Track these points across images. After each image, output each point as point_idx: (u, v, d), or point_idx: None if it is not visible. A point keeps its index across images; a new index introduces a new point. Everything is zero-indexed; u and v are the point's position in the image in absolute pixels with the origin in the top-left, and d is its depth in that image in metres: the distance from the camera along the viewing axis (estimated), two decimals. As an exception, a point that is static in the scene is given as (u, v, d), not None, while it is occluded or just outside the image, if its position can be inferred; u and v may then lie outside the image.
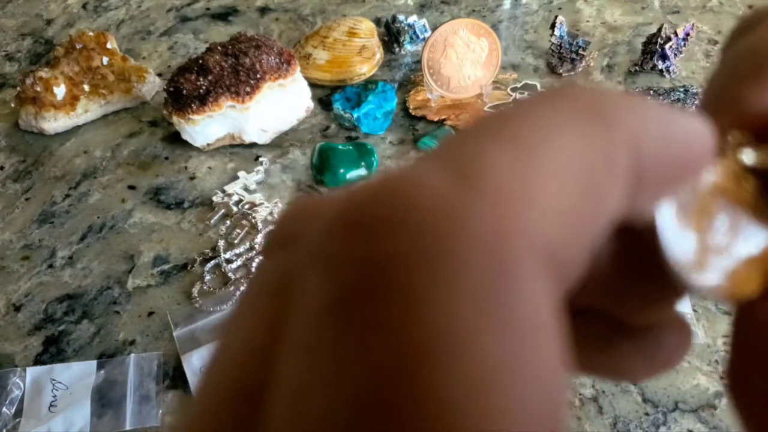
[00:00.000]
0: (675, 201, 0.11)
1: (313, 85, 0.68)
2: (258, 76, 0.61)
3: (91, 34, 0.70)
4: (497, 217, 0.08)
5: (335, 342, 0.07)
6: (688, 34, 0.69)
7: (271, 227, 0.09)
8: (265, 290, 0.09)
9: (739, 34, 0.13)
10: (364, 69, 0.70)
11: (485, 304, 0.08)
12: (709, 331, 0.48)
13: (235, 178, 0.61)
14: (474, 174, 0.08)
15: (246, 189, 0.60)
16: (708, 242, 0.11)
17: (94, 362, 0.49)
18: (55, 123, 0.66)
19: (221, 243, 0.55)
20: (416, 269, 0.07)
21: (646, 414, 0.45)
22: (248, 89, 0.60)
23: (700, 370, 0.47)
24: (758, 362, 0.10)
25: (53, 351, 0.50)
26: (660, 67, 0.70)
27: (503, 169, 0.08)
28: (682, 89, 0.67)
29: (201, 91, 0.60)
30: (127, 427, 0.45)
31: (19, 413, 0.46)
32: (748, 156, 0.12)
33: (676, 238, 0.11)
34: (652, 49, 0.69)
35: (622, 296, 0.12)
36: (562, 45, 0.71)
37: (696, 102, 0.64)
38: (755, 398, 0.10)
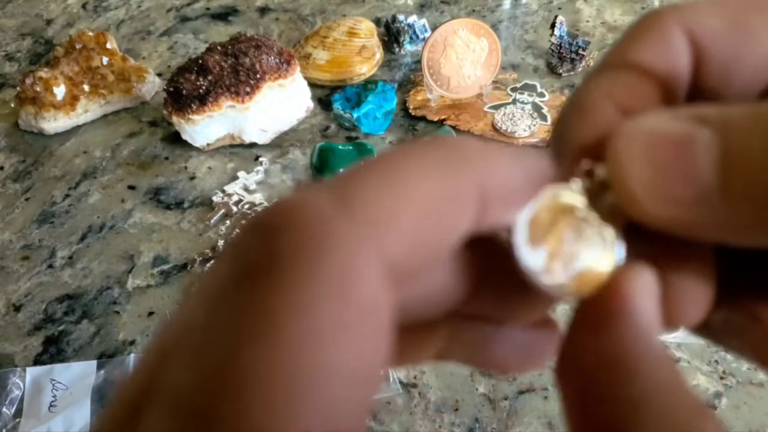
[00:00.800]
0: (527, 219, 0.14)
1: (313, 85, 0.68)
2: (258, 76, 0.61)
3: (90, 34, 0.70)
4: (358, 233, 0.11)
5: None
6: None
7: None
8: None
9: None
10: (364, 69, 0.70)
11: (330, 291, 0.10)
12: (708, 332, 0.48)
13: (235, 178, 0.61)
14: (349, 200, 0.11)
15: (246, 189, 0.60)
16: (556, 251, 0.14)
17: (94, 362, 0.49)
18: (54, 123, 0.66)
19: (221, 243, 0.55)
20: (288, 259, 0.10)
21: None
22: (248, 89, 0.60)
23: (699, 371, 0.46)
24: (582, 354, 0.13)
25: (53, 351, 0.50)
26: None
27: (372, 200, 0.11)
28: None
29: (201, 91, 0.60)
30: (127, 427, 0.45)
31: (18, 413, 0.46)
32: (599, 172, 0.14)
33: (527, 249, 0.14)
34: (652, 49, 0.69)
35: (500, 302, 0.15)
36: (562, 45, 0.71)
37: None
38: (576, 380, 0.13)
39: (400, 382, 0.46)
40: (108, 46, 0.70)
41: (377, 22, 0.74)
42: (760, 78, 0.15)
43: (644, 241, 0.14)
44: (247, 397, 0.09)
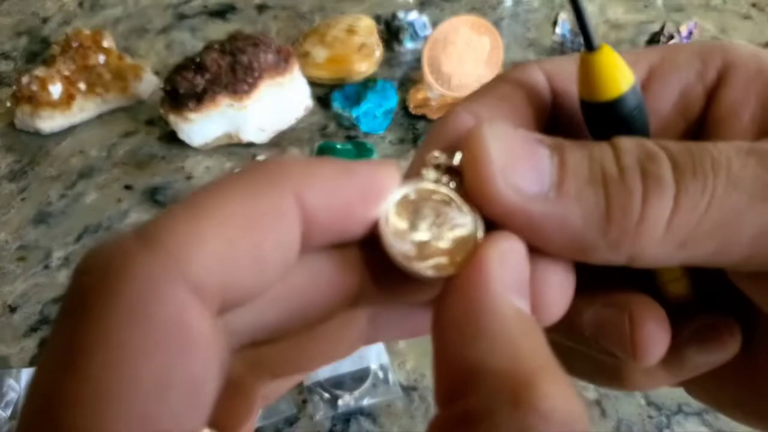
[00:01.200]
0: (390, 210, 0.15)
1: (312, 83, 0.67)
2: (256, 74, 0.60)
3: (87, 32, 0.70)
4: (157, 263, 0.12)
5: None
6: (691, 33, 0.69)
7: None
8: None
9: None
10: (364, 67, 0.69)
11: (130, 317, 0.12)
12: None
13: (233, 177, 0.60)
14: (151, 236, 0.12)
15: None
16: (421, 236, 0.15)
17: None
18: (51, 122, 0.65)
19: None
20: (92, 297, 0.12)
21: (650, 417, 0.44)
22: (246, 87, 0.60)
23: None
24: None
25: (49, 353, 0.49)
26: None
27: (172, 231, 0.12)
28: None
29: (198, 89, 0.59)
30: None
31: (15, 416, 0.46)
32: (449, 160, 0.16)
33: (394, 239, 0.15)
34: (655, 47, 0.69)
35: (396, 289, 0.16)
36: (564, 43, 0.70)
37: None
38: (437, 337, 0.14)
39: (401, 385, 0.46)
40: (104, 44, 0.69)
41: (377, 19, 0.74)
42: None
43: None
44: (60, 422, 0.11)
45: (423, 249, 0.15)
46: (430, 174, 0.16)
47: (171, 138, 0.64)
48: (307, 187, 0.14)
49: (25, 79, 0.65)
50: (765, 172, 0.14)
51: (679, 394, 0.45)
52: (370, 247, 0.15)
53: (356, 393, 0.46)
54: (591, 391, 0.45)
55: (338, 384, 0.46)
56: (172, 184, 0.61)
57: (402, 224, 0.15)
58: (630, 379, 0.20)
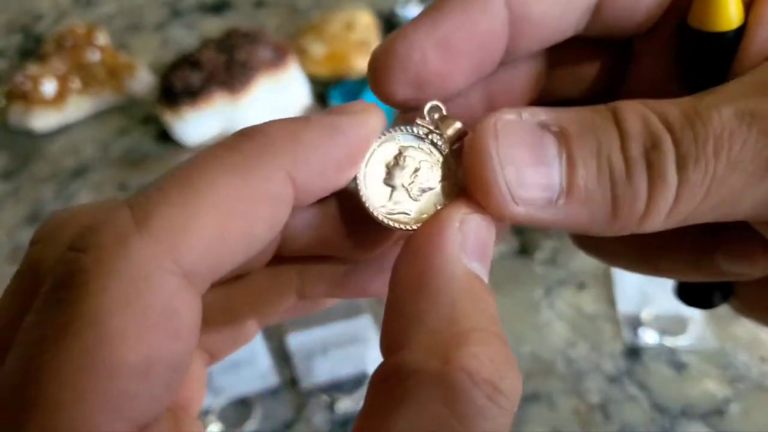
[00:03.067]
0: (367, 161, 0.16)
1: (310, 80, 0.66)
2: (252, 71, 0.59)
3: (81, 29, 0.69)
4: (152, 249, 0.12)
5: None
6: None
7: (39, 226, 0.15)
8: (27, 270, 0.14)
9: None
10: (363, 63, 0.68)
11: (123, 301, 0.12)
12: (718, 336, 0.47)
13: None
14: (147, 217, 0.13)
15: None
16: (394, 188, 0.16)
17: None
18: (44, 120, 0.64)
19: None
20: (89, 275, 0.12)
21: (653, 420, 0.44)
22: (242, 85, 0.59)
23: (708, 375, 0.45)
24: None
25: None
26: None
27: (167, 214, 0.13)
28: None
29: (194, 87, 0.58)
30: None
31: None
32: (451, 128, 0.16)
33: (368, 188, 0.16)
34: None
35: (350, 243, 0.17)
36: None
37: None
38: (389, 292, 0.15)
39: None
40: (99, 41, 0.69)
41: (376, 15, 0.73)
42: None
43: None
44: (40, 391, 0.12)
45: (395, 200, 0.16)
46: (421, 129, 0.16)
47: (166, 137, 0.63)
48: (298, 163, 0.14)
49: (18, 77, 0.64)
50: (765, 146, 0.14)
51: (684, 397, 0.45)
52: (332, 202, 0.16)
53: (354, 396, 0.45)
54: (595, 394, 0.45)
55: (336, 388, 0.46)
56: (168, 183, 0.60)
57: (378, 173, 0.16)
58: (661, 270, 0.21)
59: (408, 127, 0.16)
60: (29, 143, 0.64)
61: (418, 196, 0.16)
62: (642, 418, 0.44)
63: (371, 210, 0.16)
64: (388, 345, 0.14)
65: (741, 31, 0.16)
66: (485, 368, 0.12)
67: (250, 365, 0.45)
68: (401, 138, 0.16)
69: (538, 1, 0.16)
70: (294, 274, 0.18)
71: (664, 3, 0.16)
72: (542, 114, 0.15)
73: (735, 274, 0.19)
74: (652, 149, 0.14)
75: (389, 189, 0.16)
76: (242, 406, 0.45)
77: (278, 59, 0.61)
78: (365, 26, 0.70)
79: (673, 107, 0.15)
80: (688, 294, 0.23)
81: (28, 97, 0.63)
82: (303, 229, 0.16)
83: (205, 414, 0.44)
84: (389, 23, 0.72)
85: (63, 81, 0.65)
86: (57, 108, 0.64)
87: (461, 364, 0.12)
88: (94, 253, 0.12)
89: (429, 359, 0.13)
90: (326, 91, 0.66)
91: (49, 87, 0.64)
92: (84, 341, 0.12)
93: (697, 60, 0.16)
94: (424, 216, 0.16)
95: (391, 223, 0.16)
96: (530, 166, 0.15)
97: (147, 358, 0.12)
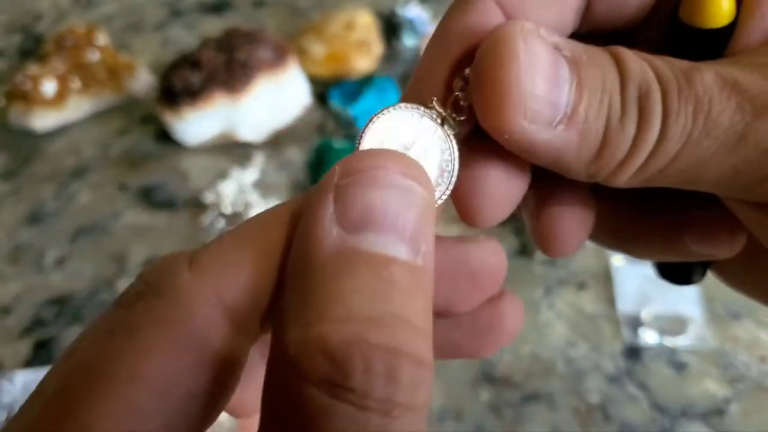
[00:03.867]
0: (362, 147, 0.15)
1: (310, 80, 0.66)
2: (252, 71, 0.59)
3: (81, 29, 0.69)
4: (198, 283, 0.13)
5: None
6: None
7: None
8: None
9: None
10: (363, 64, 0.68)
11: (165, 324, 0.13)
12: (718, 336, 0.47)
13: (229, 177, 0.59)
14: (199, 259, 0.14)
15: (240, 188, 0.59)
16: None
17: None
18: (44, 120, 0.64)
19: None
20: (137, 297, 0.13)
21: (653, 420, 0.44)
22: (242, 85, 0.59)
23: (708, 376, 0.45)
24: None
25: (44, 356, 0.49)
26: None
27: (218, 258, 0.14)
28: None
29: (194, 87, 0.58)
30: None
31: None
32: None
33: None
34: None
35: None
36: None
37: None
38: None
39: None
40: (99, 41, 0.68)
41: (376, 15, 0.73)
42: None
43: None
44: (62, 389, 0.12)
45: None
46: (434, 111, 0.15)
47: (166, 137, 0.63)
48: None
49: (18, 77, 0.64)
50: (741, 118, 0.14)
51: (684, 398, 0.45)
52: None
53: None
54: (595, 393, 0.45)
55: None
56: (168, 183, 0.60)
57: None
58: (631, 251, 0.21)
59: (420, 109, 0.16)
60: (29, 143, 0.64)
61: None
62: (642, 418, 0.44)
63: None
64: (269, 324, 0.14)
65: (732, 26, 0.15)
66: (308, 356, 0.12)
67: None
68: (411, 117, 0.15)
69: (534, 5, 0.16)
70: None
71: None
72: (556, 36, 0.15)
73: (704, 255, 0.19)
74: (644, 96, 0.14)
75: None
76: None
77: (278, 59, 0.61)
78: (365, 26, 0.69)
79: (666, 64, 0.15)
80: (668, 270, 0.23)
81: (28, 97, 0.63)
82: None
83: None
84: (389, 23, 0.72)
85: (63, 81, 0.65)
86: (57, 108, 0.64)
87: (284, 347, 0.12)
88: (147, 279, 0.14)
89: (278, 348, 0.12)
90: (326, 91, 0.66)
91: (49, 87, 0.64)
92: (112, 346, 0.12)
93: (688, 55, 0.16)
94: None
95: None
96: (546, 81, 0.14)
97: (166, 377, 0.12)
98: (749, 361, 0.45)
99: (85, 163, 0.62)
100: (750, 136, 0.14)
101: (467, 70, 0.15)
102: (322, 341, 0.11)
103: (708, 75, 0.14)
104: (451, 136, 0.16)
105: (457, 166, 0.15)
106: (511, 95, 0.14)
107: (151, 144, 0.64)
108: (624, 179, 0.15)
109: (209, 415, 0.13)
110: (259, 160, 0.61)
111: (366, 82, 0.66)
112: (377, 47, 0.70)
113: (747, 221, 0.17)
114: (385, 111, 0.15)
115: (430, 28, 0.70)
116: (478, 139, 0.16)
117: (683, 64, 0.15)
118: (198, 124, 0.60)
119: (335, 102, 0.65)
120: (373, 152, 0.14)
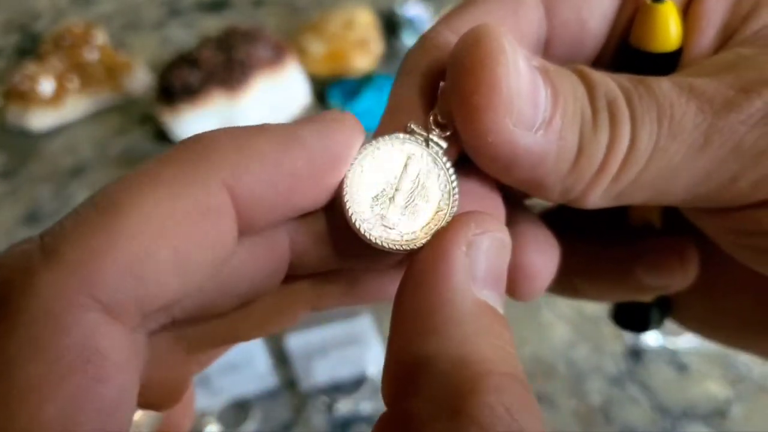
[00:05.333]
0: (349, 177, 0.14)
1: (310, 79, 0.66)
2: (251, 70, 0.59)
3: (79, 28, 0.68)
4: (60, 281, 0.11)
5: None
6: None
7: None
8: None
9: None
10: (363, 63, 0.68)
11: (36, 349, 0.10)
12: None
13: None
14: (55, 248, 0.11)
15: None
16: (387, 205, 0.14)
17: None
18: (43, 119, 0.64)
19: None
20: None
21: (655, 422, 0.43)
22: (241, 84, 0.58)
23: (709, 377, 0.45)
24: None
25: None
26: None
27: (79, 242, 0.11)
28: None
29: (192, 86, 0.58)
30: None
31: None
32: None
33: (356, 208, 0.14)
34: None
35: (357, 259, 0.15)
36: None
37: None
38: (394, 327, 0.13)
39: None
40: (97, 40, 0.68)
41: (376, 14, 0.72)
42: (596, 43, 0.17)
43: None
44: None
45: (388, 219, 0.14)
46: (417, 136, 0.15)
47: (164, 136, 0.63)
48: (241, 173, 0.12)
49: (16, 77, 0.63)
50: (704, 120, 0.14)
51: (685, 399, 0.44)
52: (330, 211, 0.14)
53: (354, 398, 0.45)
54: (596, 395, 0.45)
55: (336, 389, 0.45)
56: (166, 183, 0.60)
57: (368, 187, 0.14)
58: (582, 292, 0.21)
59: (401, 135, 0.15)
60: (27, 143, 0.64)
61: (415, 211, 0.14)
62: (643, 420, 0.44)
63: (362, 231, 0.14)
64: (391, 390, 0.12)
65: (680, 50, 0.16)
66: (501, 421, 0.11)
67: (248, 366, 0.44)
68: (392, 147, 0.15)
69: None
70: (307, 288, 0.17)
71: (607, 28, 0.17)
72: (523, 47, 0.15)
73: (657, 288, 0.19)
74: (612, 104, 0.14)
75: (382, 205, 0.14)
76: (241, 408, 0.45)
77: (277, 58, 0.60)
78: (365, 25, 0.69)
79: (623, 78, 0.15)
80: (625, 317, 0.23)
81: (25, 97, 0.63)
82: (311, 247, 0.15)
83: (203, 415, 0.44)
84: (389, 22, 0.71)
85: (61, 80, 0.65)
86: (55, 107, 0.64)
87: (473, 416, 0.11)
88: None
89: (438, 411, 0.11)
90: (326, 90, 0.66)
91: (46, 86, 0.63)
92: None
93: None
94: (423, 236, 0.14)
95: (385, 244, 0.14)
96: (528, 81, 0.14)
97: (68, 409, 0.11)
98: (750, 362, 0.45)
99: (83, 162, 0.62)
100: (715, 136, 0.14)
101: (443, 83, 0.15)
102: (498, 398, 0.11)
103: (664, 83, 0.14)
104: (440, 155, 0.15)
105: (456, 184, 0.15)
106: (499, 91, 0.13)
107: (149, 143, 0.63)
108: (597, 194, 0.15)
109: (125, 414, 0.12)
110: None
111: (366, 80, 0.65)
112: (377, 46, 0.69)
113: (718, 237, 0.17)
114: (363, 149, 0.14)
115: (429, 26, 0.70)
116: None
117: (639, 77, 0.15)
118: (196, 123, 0.60)
119: (335, 101, 0.64)
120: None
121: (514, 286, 0.17)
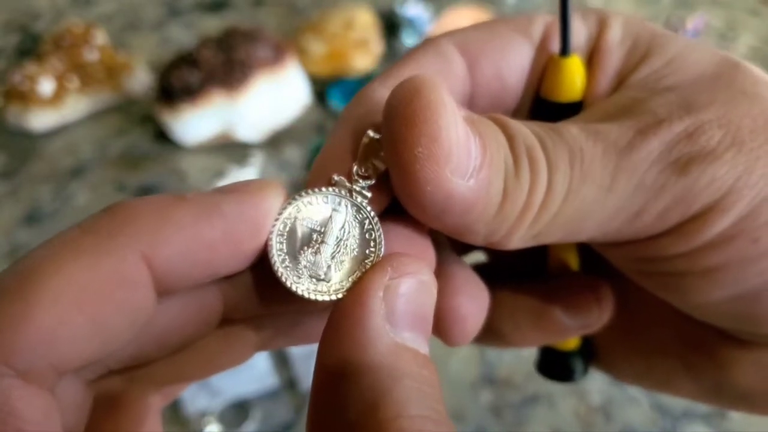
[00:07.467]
0: (272, 239, 0.15)
1: (310, 79, 0.66)
2: (251, 70, 0.59)
3: (79, 28, 0.68)
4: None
5: None
6: (697, 28, 0.67)
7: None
8: None
9: None
10: (363, 63, 0.68)
11: None
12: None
13: (228, 176, 0.59)
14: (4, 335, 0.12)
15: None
16: (312, 260, 0.15)
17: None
18: (43, 119, 0.64)
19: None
20: None
21: (654, 422, 0.43)
22: (241, 84, 0.58)
23: (710, 376, 0.45)
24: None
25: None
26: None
27: (4, 308, 0.12)
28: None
29: (192, 86, 0.58)
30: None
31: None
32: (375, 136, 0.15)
33: (284, 271, 0.15)
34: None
35: (287, 305, 0.16)
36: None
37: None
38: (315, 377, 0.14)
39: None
40: (97, 40, 0.68)
41: (376, 14, 0.72)
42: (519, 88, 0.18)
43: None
44: None
45: (315, 271, 0.15)
46: (340, 188, 0.15)
47: (164, 136, 0.63)
48: (158, 244, 0.13)
49: (15, 77, 0.63)
50: (609, 161, 0.15)
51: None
52: (259, 264, 0.15)
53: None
54: (596, 395, 0.45)
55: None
56: (166, 184, 0.60)
57: (293, 244, 0.15)
58: (507, 337, 0.21)
59: (324, 188, 0.15)
60: (27, 143, 0.64)
61: (342, 261, 0.15)
62: (643, 420, 0.43)
63: (288, 284, 0.15)
64: None
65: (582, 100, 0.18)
66: None
67: (248, 367, 0.44)
68: (316, 201, 0.15)
69: None
70: (250, 329, 0.17)
71: (525, 80, 0.18)
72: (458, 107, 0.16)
73: (575, 328, 0.20)
74: (530, 150, 0.15)
75: (308, 257, 0.15)
76: (241, 408, 0.45)
77: (277, 58, 0.60)
78: (365, 25, 0.69)
79: (536, 125, 0.16)
80: (549, 366, 0.23)
81: (25, 97, 0.63)
82: (242, 299, 0.16)
83: (203, 415, 0.44)
84: (389, 22, 0.71)
85: (61, 80, 0.64)
86: (55, 107, 0.64)
87: None
88: None
89: None
90: (325, 90, 0.66)
91: (46, 86, 0.63)
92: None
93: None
94: (350, 285, 0.15)
95: (312, 296, 0.15)
96: (464, 131, 0.14)
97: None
98: (751, 361, 0.45)
99: (83, 163, 0.62)
100: (620, 175, 0.15)
101: (370, 132, 0.15)
102: None
103: (573, 128, 0.16)
104: (365, 205, 0.15)
105: (380, 233, 0.15)
106: (441, 142, 0.13)
107: (149, 144, 0.63)
108: (518, 235, 0.15)
109: None
110: (257, 160, 0.60)
111: (366, 81, 0.65)
112: (377, 46, 0.69)
113: (625, 266, 0.18)
114: (288, 203, 0.15)
115: (429, 26, 0.70)
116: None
117: (549, 124, 0.16)
118: (196, 123, 0.60)
119: (335, 101, 0.64)
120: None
121: (445, 329, 0.17)
